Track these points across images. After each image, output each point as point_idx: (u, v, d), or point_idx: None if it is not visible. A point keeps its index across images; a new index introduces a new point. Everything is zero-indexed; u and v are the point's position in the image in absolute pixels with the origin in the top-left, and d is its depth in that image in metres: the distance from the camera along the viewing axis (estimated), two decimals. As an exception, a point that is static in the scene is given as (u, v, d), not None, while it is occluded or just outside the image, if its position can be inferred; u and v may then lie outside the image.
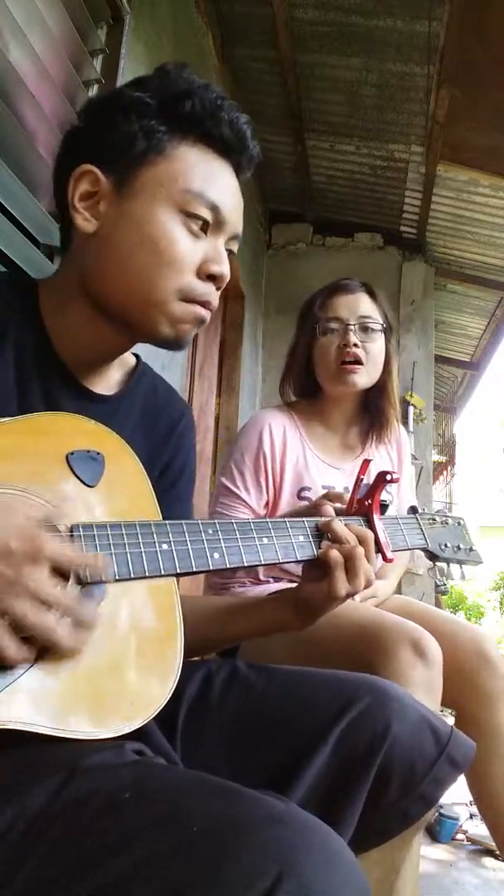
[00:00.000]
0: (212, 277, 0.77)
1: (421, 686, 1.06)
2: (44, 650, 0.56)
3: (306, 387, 1.52)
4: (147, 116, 0.74)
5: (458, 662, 1.25)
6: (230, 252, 0.81)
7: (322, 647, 1.18)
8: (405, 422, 3.95)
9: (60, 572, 0.58)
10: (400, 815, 0.75)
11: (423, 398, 4.07)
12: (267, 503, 1.45)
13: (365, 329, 1.41)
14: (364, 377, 1.41)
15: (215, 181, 0.76)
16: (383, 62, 2.89)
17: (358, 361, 1.39)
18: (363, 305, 1.43)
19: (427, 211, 3.84)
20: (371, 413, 1.50)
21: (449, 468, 8.89)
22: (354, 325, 1.40)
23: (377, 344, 1.42)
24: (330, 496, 1.00)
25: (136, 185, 0.74)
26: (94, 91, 1.75)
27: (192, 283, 0.75)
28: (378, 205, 4.03)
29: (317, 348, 1.44)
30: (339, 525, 0.81)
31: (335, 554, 0.79)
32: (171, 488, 0.91)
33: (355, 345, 1.38)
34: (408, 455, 1.61)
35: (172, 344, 0.79)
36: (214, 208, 0.75)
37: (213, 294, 0.78)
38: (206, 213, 0.75)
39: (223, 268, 0.77)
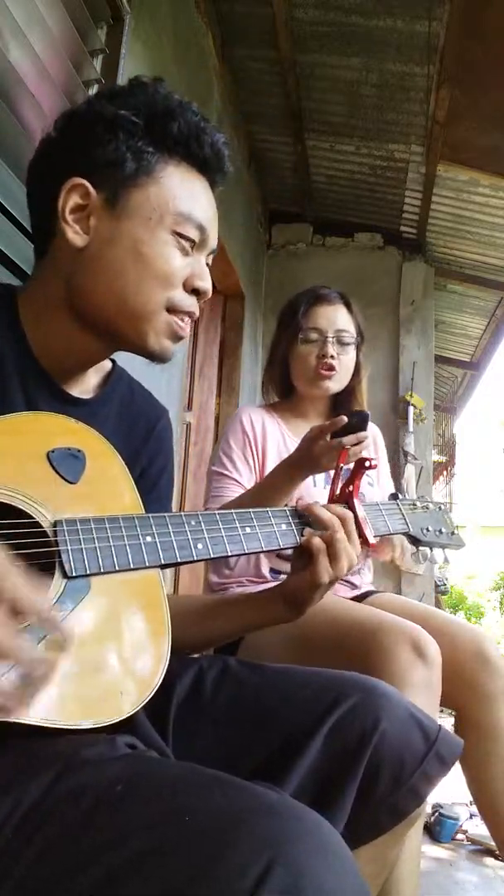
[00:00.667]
0: (196, 291, 0.81)
1: (420, 686, 1.06)
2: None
3: (284, 387, 1.65)
4: (134, 136, 0.76)
5: (457, 663, 1.25)
6: (208, 261, 0.85)
7: (321, 647, 1.18)
8: (405, 422, 3.95)
9: (20, 615, 0.53)
10: (390, 809, 0.76)
11: (423, 398, 4.06)
12: (256, 482, 1.49)
13: (341, 342, 1.54)
14: (336, 383, 1.55)
15: (199, 201, 0.80)
16: (383, 62, 2.89)
17: (332, 369, 1.52)
18: (341, 319, 1.56)
19: (427, 211, 3.84)
20: (340, 412, 1.61)
21: (449, 468, 8.89)
22: (332, 337, 1.53)
23: (350, 356, 1.56)
24: (314, 430, 1.19)
25: (129, 206, 0.76)
26: (93, 91, 1.75)
27: (179, 296, 0.79)
28: (378, 205, 4.03)
29: (297, 354, 1.56)
30: (318, 507, 0.84)
31: (317, 541, 0.81)
32: (152, 489, 0.92)
33: (332, 356, 1.51)
34: (382, 447, 1.73)
35: (157, 355, 0.82)
36: (201, 228, 0.79)
37: (195, 307, 0.82)
38: (195, 234, 0.79)
39: (207, 283, 0.82)
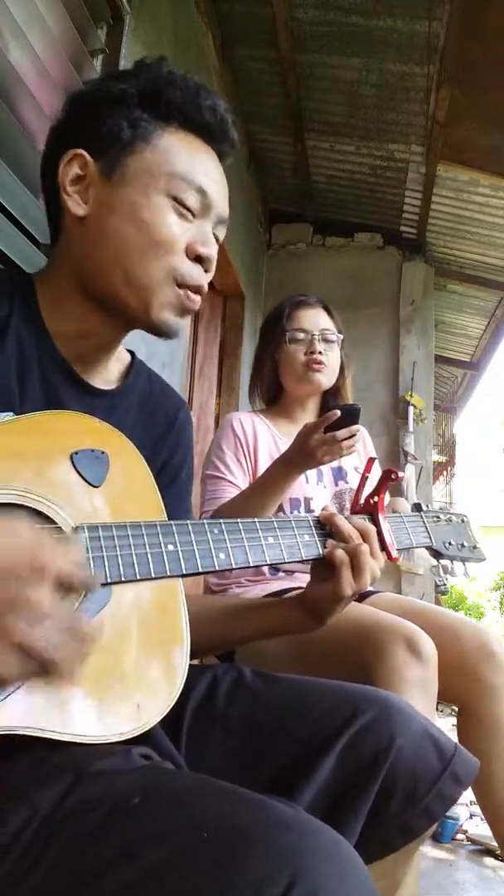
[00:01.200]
0: (199, 259, 0.79)
1: (416, 684, 1.06)
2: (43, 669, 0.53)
3: (271, 390, 1.69)
4: (131, 107, 0.77)
5: (461, 657, 1.26)
6: (217, 239, 0.83)
7: (318, 646, 1.18)
8: (405, 422, 3.95)
9: (64, 586, 0.55)
10: (403, 828, 0.74)
11: (423, 398, 4.06)
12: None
13: (326, 340, 1.59)
14: (326, 378, 1.59)
15: (200, 165, 0.79)
16: (383, 62, 2.89)
17: (321, 363, 1.57)
18: (323, 320, 1.61)
19: (427, 211, 3.84)
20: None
21: (449, 468, 8.89)
22: (318, 335, 1.58)
23: (335, 353, 1.61)
24: (307, 426, 1.21)
25: (127, 174, 0.76)
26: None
27: (183, 265, 0.77)
28: (378, 205, 4.03)
29: (285, 354, 1.60)
30: (341, 519, 0.82)
31: (340, 553, 0.79)
32: (172, 483, 0.91)
33: (320, 352, 1.56)
34: (371, 448, 1.76)
35: (163, 330, 0.80)
36: (201, 191, 0.78)
37: (202, 278, 0.80)
38: (194, 197, 0.78)
39: (210, 249, 0.79)
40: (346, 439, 1.21)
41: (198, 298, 0.80)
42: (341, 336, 1.62)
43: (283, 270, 4.23)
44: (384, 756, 0.72)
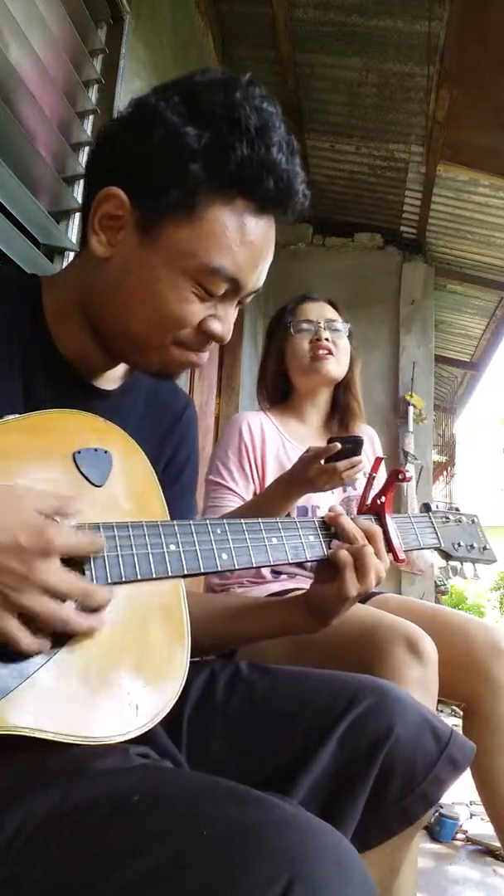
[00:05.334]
0: (212, 335, 0.75)
1: (416, 684, 1.06)
2: (62, 638, 0.58)
3: (279, 389, 1.65)
4: (189, 159, 0.67)
5: (470, 654, 1.26)
6: (243, 301, 0.78)
7: (318, 645, 1.18)
8: (405, 422, 3.95)
9: (72, 560, 0.59)
10: (401, 813, 0.75)
11: (423, 398, 4.06)
12: (254, 492, 1.50)
13: (332, 329, 1.56)
14: (335, 366, 1.55)
15: (241, 250, 0.71)
16: (383, 62, 2.89)
17: (328, 351, 1.53)
18: (328, 312, 1.59)
19: (427, 211, 3.84)
20: (339, 408, 1.64)
21: (449, 468, 8.89)
22: (323, 325, 1.56)
23: (343, 341, 1.57)
24: (310, 450, 1.18)
25: (160, 239, 0.70)
26: (94, 91, 1.75)
27: (191, 336, 0.74)
28: (378, 205, 4.03)
29: (290, 346, 1.57)
30: (347, 520, 0.81)
31: (344, 554, 0.78)
32: (176, 481, 0.90)
33: (326, 339, 1.53)
34: (379, 449, 1.74)
35: (160, 377, 0.80)
36: (233, 281, 0.72)
37: (204, 346, 0.77)
38: (221, 287, 0.72)
39: (224, 329, 0.75)
40: (346, 470, 1.19)
41: (203, 356, 0.78)
42: (348, 325, 1.59)
43: (283, 270, 4.19)
44: (382, 743, 0.73)
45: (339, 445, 1.17)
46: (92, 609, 0.59)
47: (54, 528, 0.57)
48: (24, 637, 0.55)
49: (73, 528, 0.61)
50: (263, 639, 0.92)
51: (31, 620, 0.56)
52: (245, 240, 0.71)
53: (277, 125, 0.70)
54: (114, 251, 0.72)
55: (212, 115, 0.68)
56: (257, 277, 0.76)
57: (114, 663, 0.60)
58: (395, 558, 0.86)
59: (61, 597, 0.57)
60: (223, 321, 0.75)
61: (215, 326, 0.74)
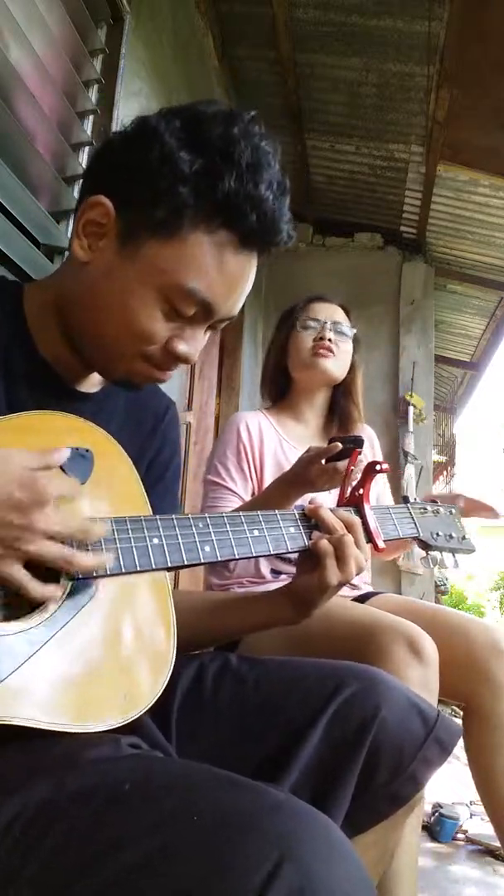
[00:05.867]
0: (176, 355, 0.75)
1: (417, 685, 1.06)
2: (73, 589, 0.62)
3: (277, 383, 1.65)
4: (179, 182, 0.69)
5: (471, 655, 1.27)
6: (215, 327, 0.79)
7: (318, 646, 1.18)
8: (405, 422, 3.95)
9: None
10: (390, 796, 0.77)
11: (423, 398, 4.06)
12: (253, 492, 1.50)
13: (337, 331, 1.57)
14: (332, 364, 1.55)
15: (217, 278, 0.72)
16: (383, 62, 2.89)
17: (329, 350, 1.54)
18: (338, 314, 1.60)
19: (427, 211, 3.83)
20: (337, 412, 1.65)
21: (449, 468, 8.89)
22: (329, 325, 1.57)
23: (347, 346, 1.58)
24: (311, 450, 1.17)
25: (139, 253, 0.71)
26: (93, 91, 1.75)
27: (157, 354, 0.75)
28: (378, 205, 4.03)
29: (294, 341, 1.58)
30: (326, 511, 0.83)
31: (324, 543, 0.81)
32: (159, 481, 0.92)
33: (329, 339, 1.54)
34: (380, 453, 1.74)
35: (122, 387, 0.81)
36: (204, 305, 0.73)
37: (171, 364, 0.77)
38: (192, 309, 0.73)
39: (189, 350, 0.75)
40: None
41: (166, 374, 0.78)
42: (354, 330, 1.61)
43: (282, 270, 4.21)
44: (369, 726, 0.74)
45: (340, 445, 1.17)
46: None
47: (45, 478, 0.60)
48: (35, 586, 0.58)
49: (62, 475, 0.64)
50: (248, 632, 0.94)
51: (41, 567, 0.60)
52: (223, 269, 0.72)
53: (271, 164, 0.71)
54: (93, 257, 0.74)
55: (207, 145, 0.69)
56: (231, 305, 0.76)
57: (101, 654, 0.62)
58: (375, 547, 0.88)
59: (63, 539, 0.60)
60: (190, 342, 0.75)
61: (181, 347, 0.75)
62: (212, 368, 3.51)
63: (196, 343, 0.76)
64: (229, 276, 0.73)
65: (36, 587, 0.59)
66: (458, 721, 1.31)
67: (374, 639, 1.12)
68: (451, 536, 1.03)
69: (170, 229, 0.70)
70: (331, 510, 0.84)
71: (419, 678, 1.07)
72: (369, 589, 1.59)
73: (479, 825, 2.15)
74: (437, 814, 2.14)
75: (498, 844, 1.89)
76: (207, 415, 3.40)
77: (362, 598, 1.49)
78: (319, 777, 0.73)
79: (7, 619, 0.59)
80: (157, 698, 0.63)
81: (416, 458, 3.92)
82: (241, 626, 0.91)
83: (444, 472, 8.78)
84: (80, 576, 0.63)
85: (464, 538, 1.05)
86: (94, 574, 0.63)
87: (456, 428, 8.53)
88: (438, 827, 2.10)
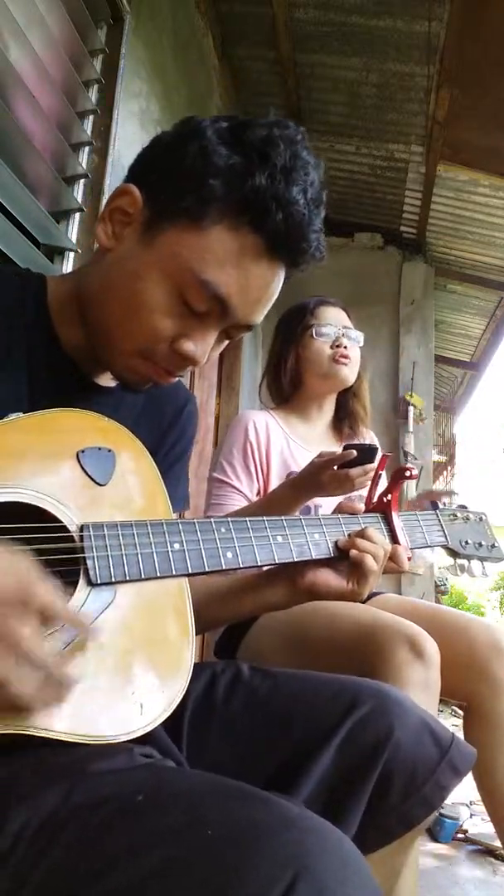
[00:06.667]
0: (183, 355, 0.73)
1: (418, 685, 1.06)
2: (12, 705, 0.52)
3: (288, 389, 1.65)
4: (211, 175, 0.68)
5: (472, 654, 1.27)
6: (231, 334, 0.77)
7: (319, 647, 1.18)
8: (405, 422, 3.95)
9: (49, 621, 0.54)
10: (401, 818, 0.75)
11: (423, 398, 4.06)
12: (258, 491, 1.50)
13: (349, 337, 1.60)
14: (350, 372, 1.59)
15: (234, 274, 0.70)
16: (383, 62, 2.89)
17: (347, 357, 1.57)
18: (344, 319, 1.63)
19: (427, 211, 3.83)
20: (347, 413, 1.67)
21: (449, 468, 8.88)
22: (342, 331, 1.59)
23: (357, 352, 1.62)
24: (323, 455, 1.18)
25: (159, 239, 0.70)
26: (93, 91, 1.75)
27: (161, 352, 0.73)
28: (378, 205, 4.03)
29: (310, 348, 1.59)
30: (378, 535, 0.83)
31: (370, 561, 0.81)
32: (169, 471, 0.91)
33: (345, 347, 1.57)
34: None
35: (122, 384, 0.80)
36: (219, 301, 0.70)
37: (175, 365, 0.75)
38: (204, 305, 0.70)
39: (197, 350, 0.73)
40: (359, 477, 1.19)
41: (168, 379, 0.77)
42: (361, 334, 1.63)
43: (283, 270, 4.23)
44: (382, 747, 0.73)
45: (354, 453, 1.17)
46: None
47: (35, 584, 0.52)
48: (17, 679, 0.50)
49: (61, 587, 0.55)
50: (243, 618, 0.94)
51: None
52: (243, 268, 0.70)
53: (308, 174, 0.70)
54: (116, 245, 0.74)
55: (247, 144, 0.69)
56: (249, 312, 0.73)
57: (118, 663, 0.60)
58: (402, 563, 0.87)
59: (30, 663, 0.51)
60: (198, 343, 0.73)
61: (187, 346, 0.72)
62: (212, 368, 3.50)
63: (205, 344, 0.73)
64: (249, 278, 0.71)
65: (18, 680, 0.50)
66: (460, 721, 1.32)
67: (375, 639, 1.12)
68: (480, 545, 1.00)
69: (193, 218, 0.69)
70: (368, 534, 0.83)
71: (420, 678, 1.07)
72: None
73: (479, 825, 2.15)
74: (437, 814, 2.14)
75: (498, 844, 1.89)
76: (207, 415, 3.40)
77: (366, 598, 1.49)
78: (330, 795, 0.72)
79: None
80: (173, 709, 0.61)
81: (416, 458, 3.92)
82: (236, 614, 0.91)
83: (444, 472, 8.77)
84: (100, 581, 0.61)
85: (493, 546, 1.02)
86: (112, 580, 0.62)
87: (456, 428, 8.53)
88: (438, 827, 2.10)
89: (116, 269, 0.73)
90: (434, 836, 2.10)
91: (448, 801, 2.33)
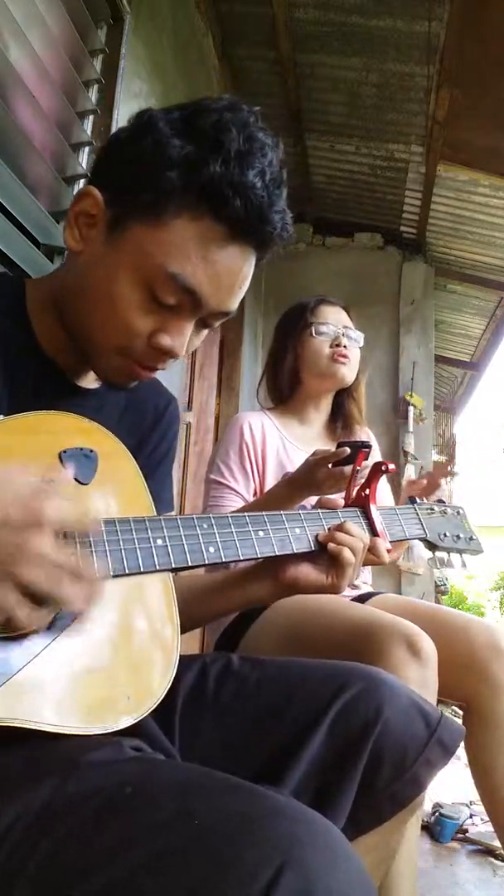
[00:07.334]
0: (161, 349, 0.74)
1: (415, 684, 1.06)
2: (57, 616, 0.57)
3: (287, 387, 1.64)
4: (166, 167, 0.68)
5: (471, 655, 1.27)
6: (209, 323, 0.78)
7: (317, 646, 1.18)
8: (405, 422, 3.95)
9: (63, 533, 0.57)
10: (392, 797, 0.76)
11: (423, 398, 4.06)
12: (255, 492, 1.50)
13: (349, 337, 1.60)
14: (349, 372, 1.59)
15: (201, 265, 0.70)
16: (383, 62, 2.89)
17: (346, 356, 1.57)
18: (345, 318, 1.63)
19: (427, 211, 3.83)
20: (342, 413, 1.67)
21: (449, 468, 8.87)
22: (342, 330, 1.59)
23: (357, 352, 1.62)
24: (318, 453, 1.18)
25: (124, 238, 0.71)
26: (93, 91, 1.75)
27: (139, 349, 0.74)
28: (378, 205, 4.03)
29: (309, 347, 1.58)
30: (356, 528, 0.84)
31: (348, 554, 0.82)
32: (154, 472, 0.92)
33: (344, 346, 1.57)
34: (379, 455, 1.74)
35: (108, 384, 0.81)
36: (189, 293, 0.71)
37: (155, 360, 0.76)
38: (174, 297, 0.71)
39: (174, 343, 0.73)
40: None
41: (148, 374, 0.77)
42: (362, 334, 1.63)
43: (282, 270, 4.21)
44: (372, 727, 0.74)
45: (348, 450, 1.17)
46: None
47: (44, 499, 0.55)
48: (22, 610, 0.53)
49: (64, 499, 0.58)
50: (229, 614, 0.95)
51: (28, 596, 0.54)
52: (209, 258, 0.70)
53: (266, 155, 0.69)
54: (84, 247, 0.74)
55: (199, 132, 0.69)
56: (222, 299, 0.74)
57: (106, 655, 0.61)
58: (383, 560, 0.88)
59: (56, 569, 0.54)
60: (175, 336, 0.73)
61: (164, 340, 0.73)
62: (212, 368, 3.50)
63: (182, 337, 0.74)
64: (217, 267, 0.71)
65: (22, 611, 0.53)
66: (460, 721, 1.33)
67: (372, 638, 1.12)
68: (458, 537, 1.02)
69: (155, 214, 0.69)
70: (347, 527, 0.85)
71: (418, 678, 1.07)
72: (369, 589, 1.59)
73: (479, 825, 2.15)
74: (437, 814, 2.14)
75: (498, 844, 1.89)
76: (207, 415, 3.40)
77: (362, 598, 1.49)
78: (322, 778, 0.73)
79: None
80: (161, 699, 0.63)
81: (416, 458, 3.92)
82: (224, 609, 0.93)
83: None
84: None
85: (471, 538, 1.04)
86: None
87: (456, 428, 8.53)
88: (438, 827, 2.10)
89: (87, 272, 0.74)
90: (434, 836, 2.10)
91: (448, 801, 2.33)
